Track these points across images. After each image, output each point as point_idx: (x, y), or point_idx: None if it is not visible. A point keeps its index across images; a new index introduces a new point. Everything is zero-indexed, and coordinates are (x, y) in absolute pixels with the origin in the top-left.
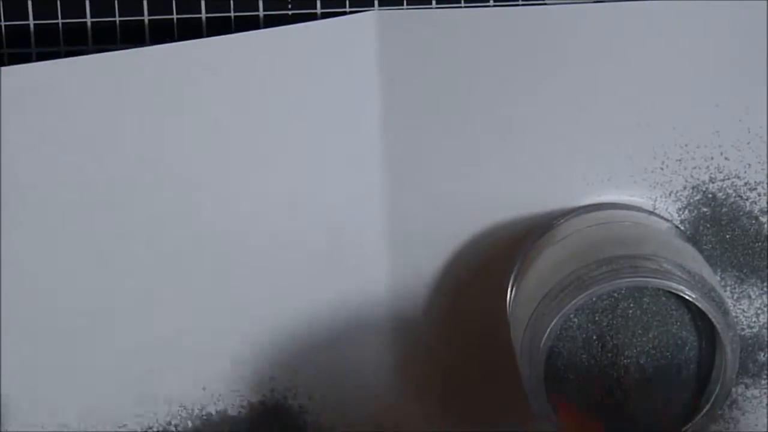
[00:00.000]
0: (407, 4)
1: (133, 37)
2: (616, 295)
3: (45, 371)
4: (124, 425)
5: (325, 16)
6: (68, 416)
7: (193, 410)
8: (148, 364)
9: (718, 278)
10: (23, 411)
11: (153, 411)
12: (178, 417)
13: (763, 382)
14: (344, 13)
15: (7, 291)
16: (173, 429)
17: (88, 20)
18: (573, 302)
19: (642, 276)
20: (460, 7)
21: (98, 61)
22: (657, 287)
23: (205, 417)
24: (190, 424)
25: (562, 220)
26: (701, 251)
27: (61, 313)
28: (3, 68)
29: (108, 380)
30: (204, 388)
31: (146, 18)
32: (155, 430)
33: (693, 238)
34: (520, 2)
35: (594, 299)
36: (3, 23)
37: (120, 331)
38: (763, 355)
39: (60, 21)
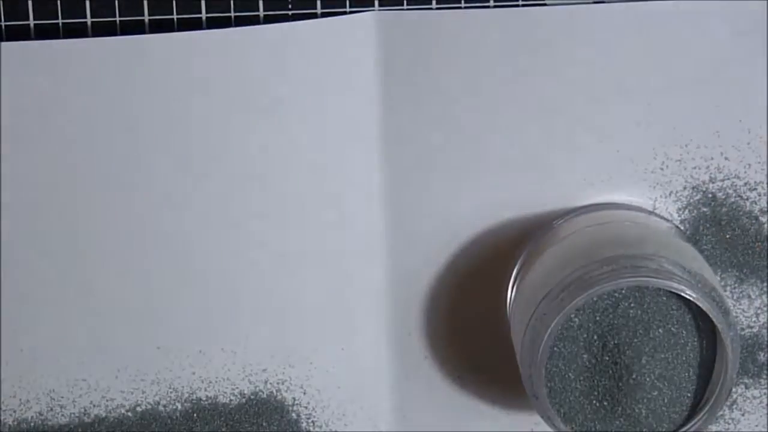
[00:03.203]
0: (407, 5)
1: None
2: (616, 295)
3: (38, 345)
4: (112, 399)
5: (325, 16)
6: (56, 383)
7: (182, 393)
8: (139, 343)
9: (718, 278)
10: (14, 383)
11: (141, 389)
12: (167, 398)
13: (763, 382)
14: (344, 14)
15: (4, 272)
16: (162, 409)
17: (89, 20)
18: (574, 302)
19: (643, 276)
20: (460, 7)
21: (98, 46)
22: (658, 287)
23: (194, 401)
24: (178, 406)
25: (562, 220)
26: (701, 251)
27: (54, 291)
28: (3, 43)
29: (98, 355)
30: (193, 373)
31: (146, 18)
32: (143, 407)
33: (693, 238)
34: (520, 3)
35: (595, 299)
36: (3, 23)
37: (112, 310)
38: (763, 356)
39: (60, 21)
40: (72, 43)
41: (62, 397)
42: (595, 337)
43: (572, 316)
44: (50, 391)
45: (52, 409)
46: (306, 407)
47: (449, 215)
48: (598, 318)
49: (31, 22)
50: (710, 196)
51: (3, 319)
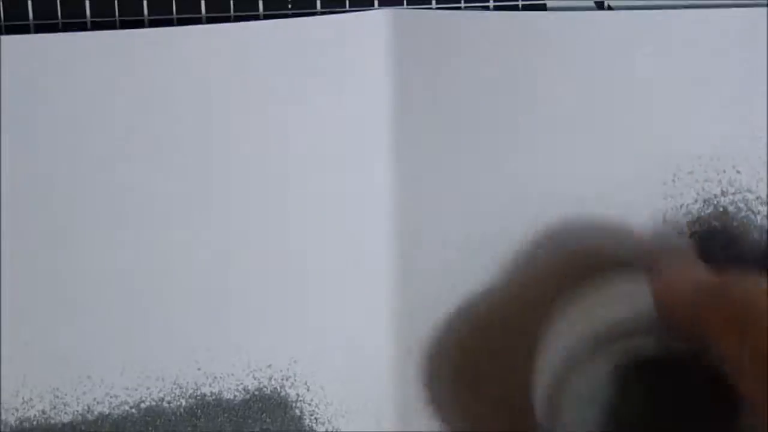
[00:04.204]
0: (407, 4)
1: None
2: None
3: (41, 343)
4: (116, 396)
5: (325, 15)
6: (59, 380)
7: (187, 389)
8: (144, 339)
9: None
10: (17, 381)
11: (146, 386)
12: (172, 394)
13: None
14: (344, 14)
15: (6, 264)
16: (166, 405)
17: (88, 20)
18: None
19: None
20: (459, 7)
21: (98, 40)
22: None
23: (198, 397)
24: (183, 402)
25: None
26: (712, 265)
27: (57, 287)
28: (3, 37)
29: (102, 353)
30: (199, 368)
31: (146, 18)
32: (147, 404)
33: (703, 251)
34: (520, 3)
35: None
36: (3, 23)
37: (117, 307)
38: None
39: (60, 21)
40: (72, 37)
41: (66, 395)
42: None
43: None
44: (54, 388)
45: (55, 407)
46: (309, 404)
47: (458, 214)
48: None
49: (31, 22)
50: (721, 209)
51: (5, 316)
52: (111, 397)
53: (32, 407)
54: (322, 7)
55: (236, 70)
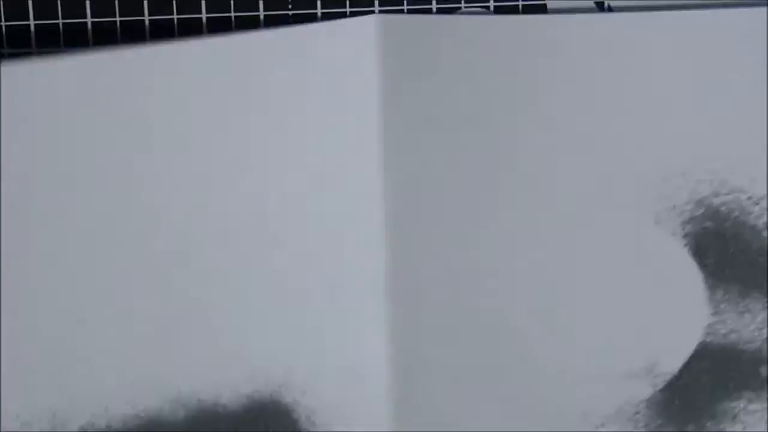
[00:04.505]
0: (407, 5)
1: (133, 37)
2: None
3: (40, 353)
4: (115, 410)
5: (325, 16)
6: (58, 398)
7: (185, 398)
8: (140, 350)
9: (722, 292)
10: (13, 390)
11: (145, 398)
12: (171, 406)
13: (765, 396)
14: (344, 14)
15: (5, 278)
16: (165, 416)
17: (89, 20)
18: None
19: None
20: (459, 8)
21: (96, 59)
22: None
23: (197, 405)
24: (182, 413)
25: None
26: (705, 265)
27: (57, 298)
28: (3, 63)
29: (100, 364)
30: (197, 377)
31: (146, 18)
32: (146, 416)
33: (697, 252)
34: (520, 4)
35: None
36: (3, 23)
37: (114, 317)
38: (765, 370)
39: (60, 21)
40: (72, 59)
41: (66, 413)
42: None
43: None
44: (53, 407)
45: (55, 427)
46: (306, 407)
47: (449, 218)
48: None
49: (31, 22)
50: (714, 210)
51: (5, 335)
52: (110, 411)
53: (31, 429)
54: (322, 7)
55: (233, 77)
